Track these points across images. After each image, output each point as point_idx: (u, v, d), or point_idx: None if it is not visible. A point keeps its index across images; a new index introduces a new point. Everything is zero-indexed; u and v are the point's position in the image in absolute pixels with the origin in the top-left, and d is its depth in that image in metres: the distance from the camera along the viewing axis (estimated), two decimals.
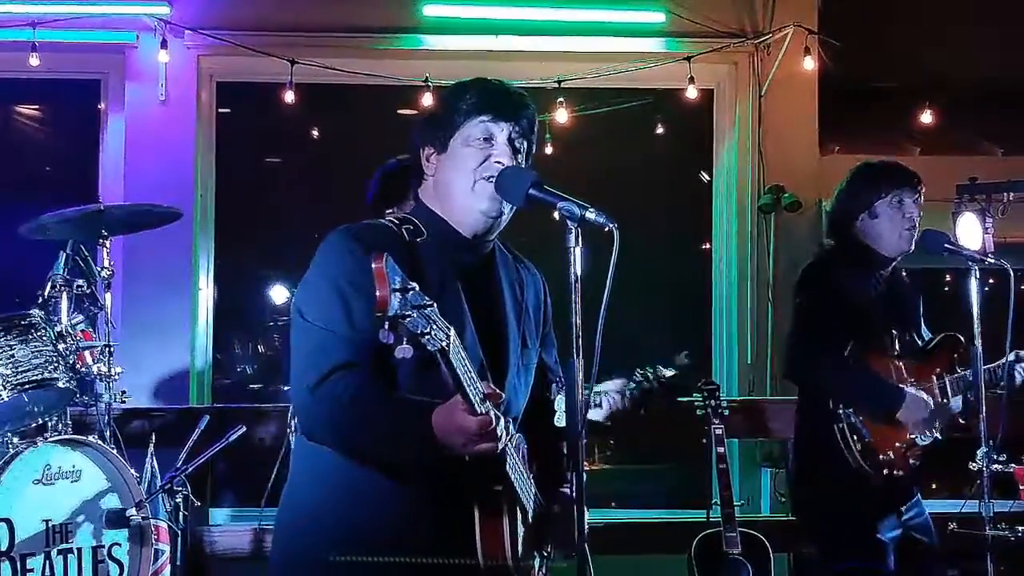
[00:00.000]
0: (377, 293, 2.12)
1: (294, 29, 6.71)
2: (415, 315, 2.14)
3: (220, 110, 7.00)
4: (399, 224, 2.58)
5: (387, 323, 2.13)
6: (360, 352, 2.47)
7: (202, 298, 6.81)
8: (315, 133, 7.56)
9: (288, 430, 3.83)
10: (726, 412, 5.12)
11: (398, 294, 2.12)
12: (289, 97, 6.58)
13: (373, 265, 2.13)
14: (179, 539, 4.58)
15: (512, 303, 2.70)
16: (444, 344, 2.21)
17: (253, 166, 7.65)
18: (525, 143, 2.63)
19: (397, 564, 2.51)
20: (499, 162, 2.57)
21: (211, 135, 6.91)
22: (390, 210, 3.51)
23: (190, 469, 4.59)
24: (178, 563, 4.59)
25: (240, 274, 7.47)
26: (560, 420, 2.45)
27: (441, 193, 2.63)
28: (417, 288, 2.16)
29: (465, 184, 2.59)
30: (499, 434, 2.38)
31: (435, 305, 2.19)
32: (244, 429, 4.74)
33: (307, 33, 6.71)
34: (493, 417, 2.35)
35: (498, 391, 2.40)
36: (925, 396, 4.01)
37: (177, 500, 4.56)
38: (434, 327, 2.18)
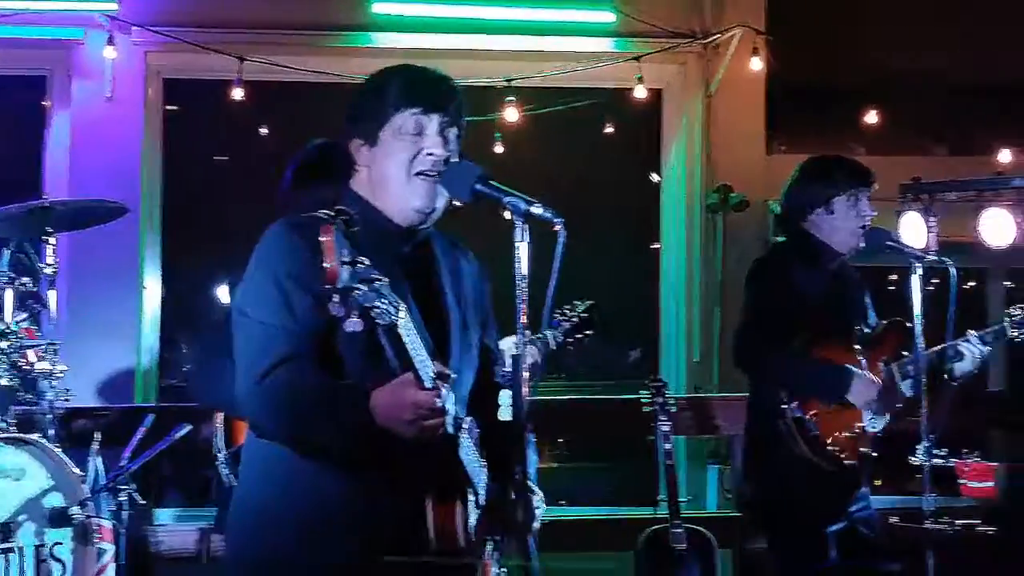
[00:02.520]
0: (326, 264, 2.12)
1: (243, 26, 6.67)
2: (365, 288, 2.14)
3: (167, 107, 6.95)
4: (334, 216, 2.57)
5: (337, 296, 2.12)
6: (304, 344, 2.47)
7: (148, 296, 6.76)
8: (264, 130, 7.52)
9: (215, 428, 3.80)
10: (673, 409, 5.15)
11: (347, 267, 2.13)
12: (237, 94, 6.55)
13: (321, 238, 2.13)
14: (123, 538, 4.54)
15: (452, 288, 2.71)
16: (394, 319, 2.21)
17: (201, 163, 7.61)
18: (455, 130, 2.63)
19: (351, 558, 2.50)
20: (431, 154, 2.57)
21: (158, 132, 6.87)
22: (308, 196, 3.41)
23: (134, 468, 4.55)
24: (122, 562, 4.55)
25: (187, 272, 7.41)
26: (505, 414, 2.46)
27: (375, 186, 2.63)
28: (367, 262, 2.16)
29: (399, 179, 2.59)
30: (448, 410, 2.39)
31: (386, 280, 2.19)
32: (190, 428, 4.70)
33: (256, 30, 6.68)
34: (443, 391, 2.35)
35: (448, 371, 2.40)
36: (873, 376, 4.05)
37: (121, 499, 4.52)
38: (384, 301, 2.18)
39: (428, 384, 2.33)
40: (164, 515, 6.21)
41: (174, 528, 5.79)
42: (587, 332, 4.54)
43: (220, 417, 3.72)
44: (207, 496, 6.18)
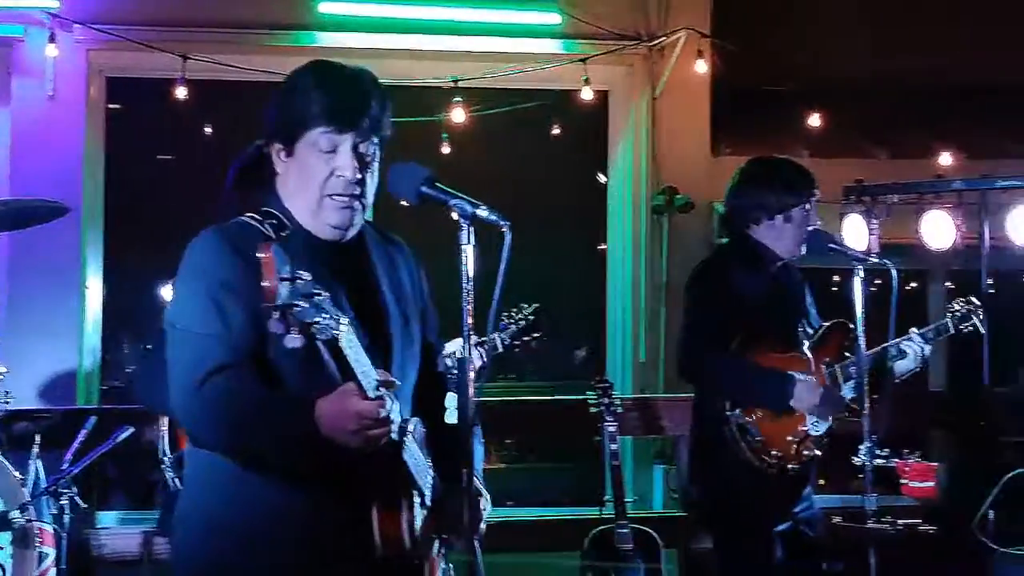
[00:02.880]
0: (265, 283, 2.09)
1: (186, 24, 6.62)
2: (305, 304, 2.12)
3: (110, 105, 6.89)
4: (262, 220, 2.55)
5: (277, 312, 2.10)
6: (238, 353, 2.44)
7: (90, 297, 6.68)
8: (208, 130, 7.46)
9: (160, 432, 3.77)
10: (619, 410, 5.17)
11: (287, 283, 2.10)
12: (181, 93, 6.49)
13: (260, 255, 2.11)
14: (64, 542, 4.48)
15: (388, 283, 2.68)
16: (335, 332, 2.20)
17: (144, 162, 7.53)
18: (375, 140, 2.58)
19: (296, 564, 2.49)
20: (342, 176, 2.54)
21: (100, 131, 6.80)
22: (252, 198, 3.38)
23: (76, 471, 4.49)
24: (63, 566, 4.50)
25: (130, 273, 7.34)
26: (451, 417, 2.46)
27: (293, 196, 2.60)
28: (308, 277, 2.14)
29: (312, 199, 2.56)
30: (393, 419, 2.38)
31: (326, 295, 2.17)
32: (132, 430, 4.65)
33: (200, 28, 6.63)
34: (388, 401, 2.34)
35: (392, 379, 2.39)
36: (816, 381, 4.08)
37: (63, 502, 4.46)
38: (324, 316, 2.16)
39: (371, 394, 2.32)
40: (106, 518, 6.13)
41: (116, 531, 5.73)
42: (534, 335, 4.57)
43: (165, 420, 3.69)
44: (150, 499, 6.12)
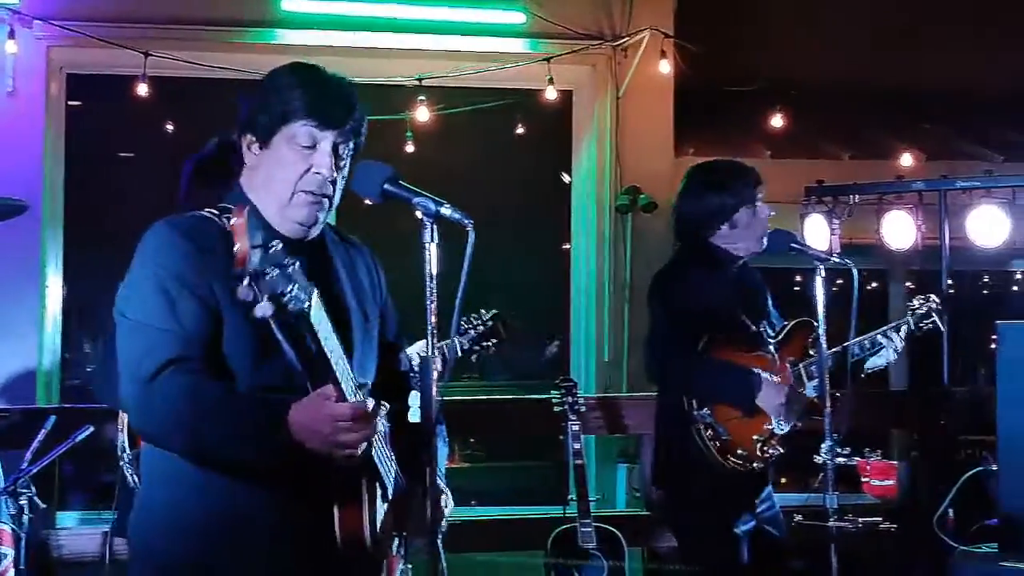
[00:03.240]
0: (236, 247, 2.05)
1: (148, 21, 6.58)
2: (277, 272, 2.08)
3: (70, 102, 6.83)
4: (219, 214, 2.53)
5: (247, 279, 2.06)
6: (191, 348, 2.41)
7: (50, 295, 6.63)
8: (169, 127, 7.40)
9: (119, 428, 3.71)
10: (583, 409, 5.17)
11: (259, 250, 2.06)
12: (142, 90, 6.45)
13: (234, 220, 2.07)
14: (23, 543, 4.43)
15: (348, 281, 2.67)
16: (306, 305, 2.16)
17: (105, 160, 7.47)
18: (351, 145, 2.58)
19: (257, 560, 2.47)
20: (319, 173, 2.52)
21: (60, 128, 6.75)
22: (210, 195, 3.35)
23: (35, 471, 4.44)
24: (22, 567, 4.44)
25: (90, 271, 7.27)
26: (413, 416, 2.45)
27: (260, 191, 2.58)
28: (280, 246, 2.10)
29: (284, 194, 2.54)
30: (372, 420, 2.35)
31: (297, 264, 2.13)
32: (92, 429, 4.61)
33: (161, 25, 6.58)
34: (368, 402, 2.32)
35: (365, 381, 2.38)
36: (780, 380, 4.10)
37: (21, 503, 4.41)
38: (295, 287, 2.11)
39: (350, 395, 2.30)
40: (66, 518, 6.08)
41: (77, 531, 5.67)
42: (492, 340, 4.58)
43: (124, 417, 3.63)
44: (111, 499, 6.07)
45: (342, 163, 2.57)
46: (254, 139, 2.58)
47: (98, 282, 7.32)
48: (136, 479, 3.50)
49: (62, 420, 4.60)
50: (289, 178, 2.54)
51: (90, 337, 7.36)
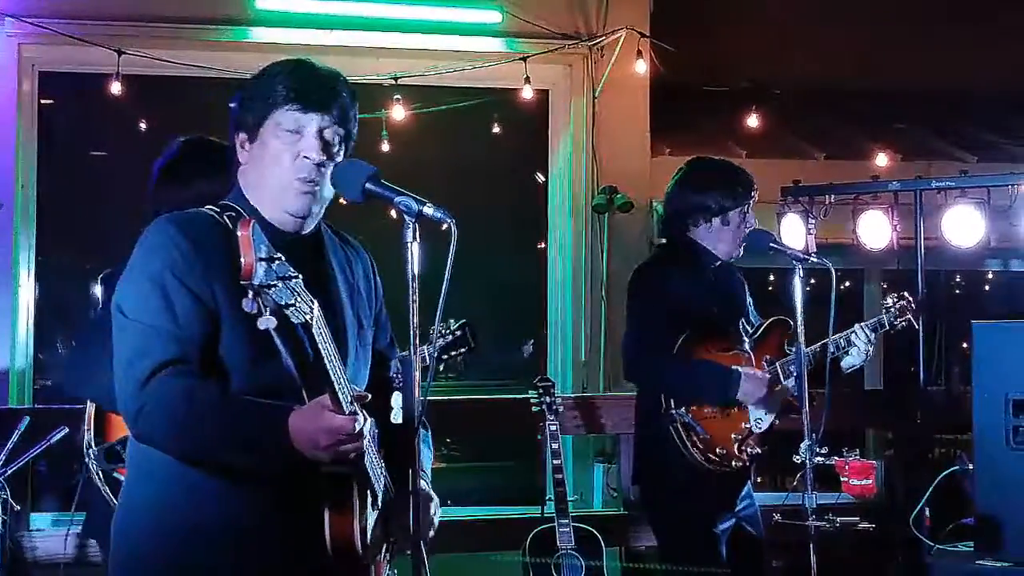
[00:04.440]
0: (242, 260, 2.05)
1: (122, 18, 6.52)
2: (281, 286, 2.09)
3: (43, 100, 6.76)
4: (220, 212, 2.51)
5: (251, 292, 2.07)
6: (188, 349, 2.39)
7: (23, 295, 6.56)
8: (143, 126, 7.35)
9: (85, 421, 3.64)
10: (560, 409, 5.17)
11: (264, 263, 2.07)
12: (116, 88, 6.40)
13: (239, 232, 2.07)
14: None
15: (344, 285, 2.66)
16: (308, 317, 2.17)
17: (78, 158, 7.41)
18: (340, 131, 2.55)
19: (246, 560, 2.45)
20: (307, 158, 2.50)
21: (33, 126, 6.68)
22: (175, 194, 3.30)
23: (8, 472, 4.41)
24: None
25: (63, 270, 7.22)
26: (396, 417, 2.44)
27: (253, 186, 2.56)
28: (283, 259, 2.11)
29: (275, 185, 2.52)
30: (365, 434, 2.35)
31: (300, 277, 2.14)
32: (66, 431, 4.57)
33: (135, 23, 6.53)
34: (361, 417, 2.31)
35: (365, 393, 2.36)
36: (760, 374, 4.11)
37: None
38: (299, 299, 2.13)
39: (347, 408, 2.29)
40: (41, 520, 6.03)
41: (51, 533, 5.62)
42: (461, 350, 4.56)
43: (92, 409, 3.54)
44: (83, 501, 6.02)
45: (333, 150, 2.54)
46: (244, 136, 2.57)
47: (71, 281, 7.30)
48: (101, 476, 3.44)
49: (36, 421, 4.56)
50: (279, 168, 2.52)
51: (63, 337, 7.30)
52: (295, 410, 2.33)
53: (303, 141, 2.51)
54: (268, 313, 2.10)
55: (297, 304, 2.13)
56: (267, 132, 2.53)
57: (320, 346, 2.25)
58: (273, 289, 2.09)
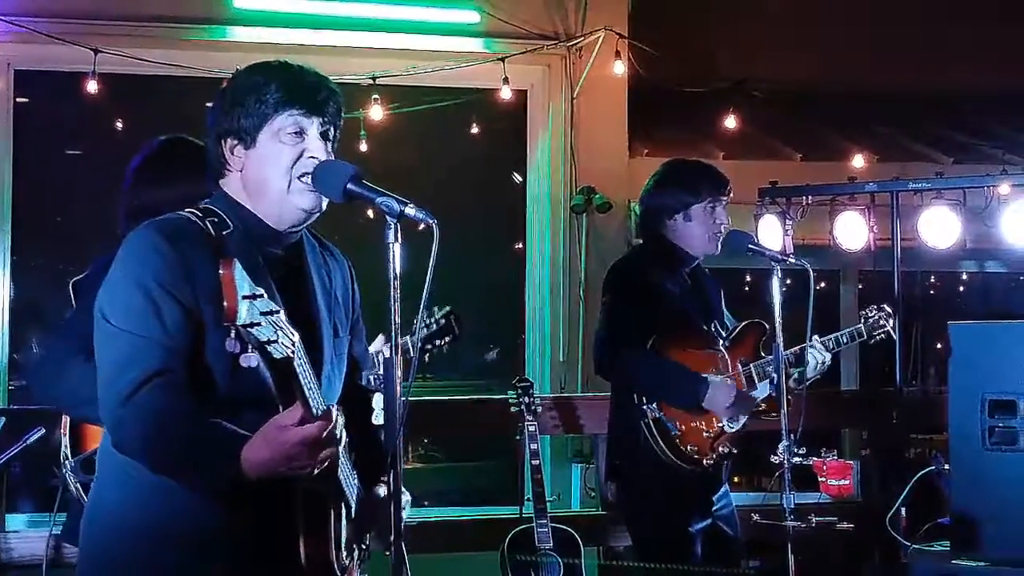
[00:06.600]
0: (225, 303, 2.03)
1: (98, 17, 6.50)
2: (264, 323, 2.08)
3: (18, 99, 6.73)
4: (202, 217, 2.49)
5: (234, 332, 2.06)
6: (174, 357, 2.37)
7: None
8: (119, 124, 7.32)
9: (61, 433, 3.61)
10: (539, 409, 5.17)
11: (247, 301, 2.05)
12: (92, 87, 6.37)
13: (221, 272, 2.04)
14: None
15: (322, 292, 2.64)
16: (290, 351, 2.16)
17: (53, 157, 7.37)
18: (333, 130, 2.57)
19: (213, 564, 2.43)
20: (313, 157, 2.50)
21: (8, 125, 6.66)
22: (151, 195, 3.27)
23: None
24: None
25: (38, 270, 7.18)
26: (378, 418, 2.42)
27: (253, 190, 2.54)
28: (264, 294, 2.09)
29: (281, 184, 2.51)
30: (338, 434, 2.33)
31: (280, 311, 2.13)
32: (43, 432, 4.53)
33: (112, 21, 6.51)
34: (334, 414, 2.29)
35: (332, 407, 2.35)
36: (728, 382, 4.12)
37: None
38: (281, 334, 2.12)
39: (316, 412, 2.27)
40: (15, 521, 5.99)
41: (26, 535, 5.58)
42: (445, 339, 4.51)
43: (66, 421, 3.52)
44: (59, 502, 5.97)
45: (330, 147, 2.55)
46: (237, 142, 2.54)
47: (46, 281, 7.26)
48: (79, 488, 3.41)
49: (11, 422, 4.53)
50: (283, 169, 2.50)
51: (38, 337, 7.26)
52: (248, 443, 2.28)
53: (307, 142, 2.51)
54: (251, 350, 2.09)
55: (280, 340, 2.12)
56: (266, 138, 2.51)
57: (298, 371, 2.22)
58: (255, 328, 2.07)
